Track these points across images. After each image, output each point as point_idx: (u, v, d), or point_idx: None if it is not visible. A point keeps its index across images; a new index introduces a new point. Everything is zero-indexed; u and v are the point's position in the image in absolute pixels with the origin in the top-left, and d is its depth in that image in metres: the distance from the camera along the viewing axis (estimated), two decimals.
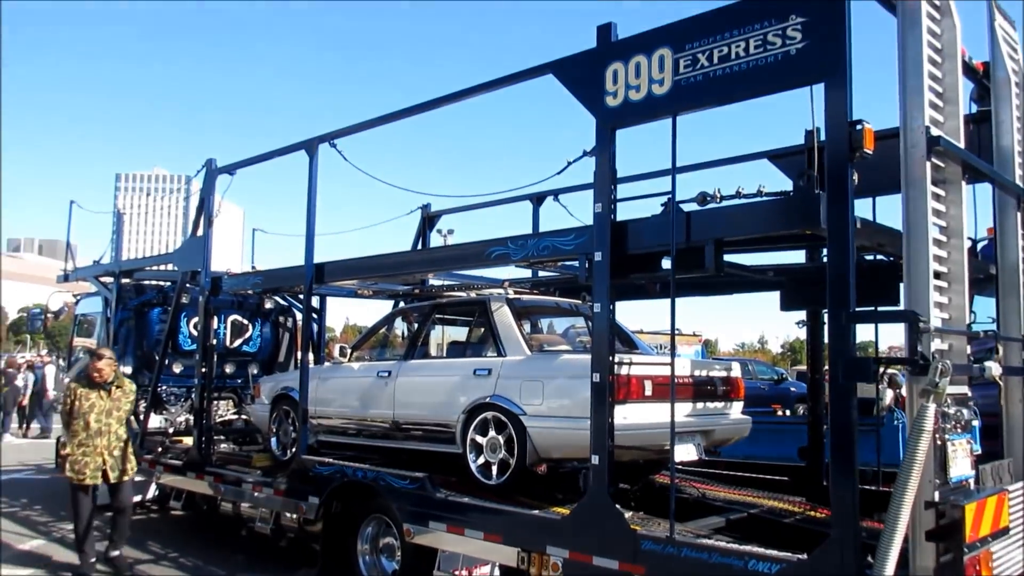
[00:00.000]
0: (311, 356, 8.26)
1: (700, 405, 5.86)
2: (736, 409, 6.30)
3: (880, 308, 4.89)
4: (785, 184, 5.02)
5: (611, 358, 4.77)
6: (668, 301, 4.57)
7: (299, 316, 11.29)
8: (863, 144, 3.85)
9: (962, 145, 4.34)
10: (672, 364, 4.51)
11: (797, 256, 6.37)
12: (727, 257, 5.80)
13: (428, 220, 10.43)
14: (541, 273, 7.87)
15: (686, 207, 4.63)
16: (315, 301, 11.02)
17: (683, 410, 5.69)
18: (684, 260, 4.61)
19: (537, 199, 8.82)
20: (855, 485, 3.72)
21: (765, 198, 4.41)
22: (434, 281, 8.71)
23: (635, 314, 43.19)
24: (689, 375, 5.83)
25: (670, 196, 4.63)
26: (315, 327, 11.22)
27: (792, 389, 23.42)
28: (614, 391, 4.78)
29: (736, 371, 6.45)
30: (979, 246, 6.07)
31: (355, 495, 6.36)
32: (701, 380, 5.93)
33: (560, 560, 4.73)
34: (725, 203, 4.52)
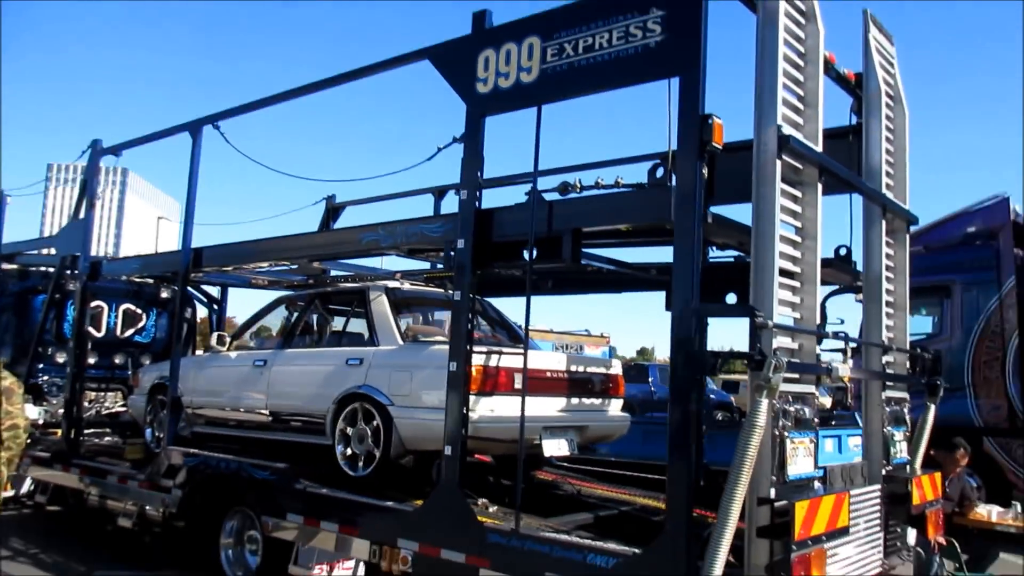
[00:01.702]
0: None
1: (575, 401, 5.81)
2: (615, 407, 6.27)
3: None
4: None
5: (468, 348, 4.67)
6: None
7: (200, 306, 10.97)
8: (712, 138, 3.85)
9: (819, 148, 4.38)
10: (524, 356, 4.45)
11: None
12: (608, 253, 5.86)
13: (332, 211, 10.22)
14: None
15: (550, 197, 4.59)
16: (216, 291, 10.73)
17: (557, 405, 5.66)
18: (546, 251, 4.56)
19: (439, 192, 8.70)
20: (690, 480, 3.69)
21: (622, 189, 4.38)
22: (336, 272, 8.52)
23: (549, 313, 43.39)
24: (565, 371, 5.78)
25: (532, 185, 4.57)
26: (215, 317, 10.92)
27: (711, 396, 23.86)
28: (469, 382, 4.68)
29: (616, 369, 6.43)
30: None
31: (219, 487, 6.13)
32: (578, 376, 5.88)
33: (410, 553, 4.61)
34: (585, 193, 4.48)
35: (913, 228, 11.46)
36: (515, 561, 4.14)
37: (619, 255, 5.82)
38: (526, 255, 4.65)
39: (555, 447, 5.52)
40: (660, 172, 4.33)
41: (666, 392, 8.06)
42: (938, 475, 5.34)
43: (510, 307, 7.03)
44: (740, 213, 4.69)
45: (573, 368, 5.86)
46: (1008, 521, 6.89)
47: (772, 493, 3.70)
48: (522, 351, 5.33)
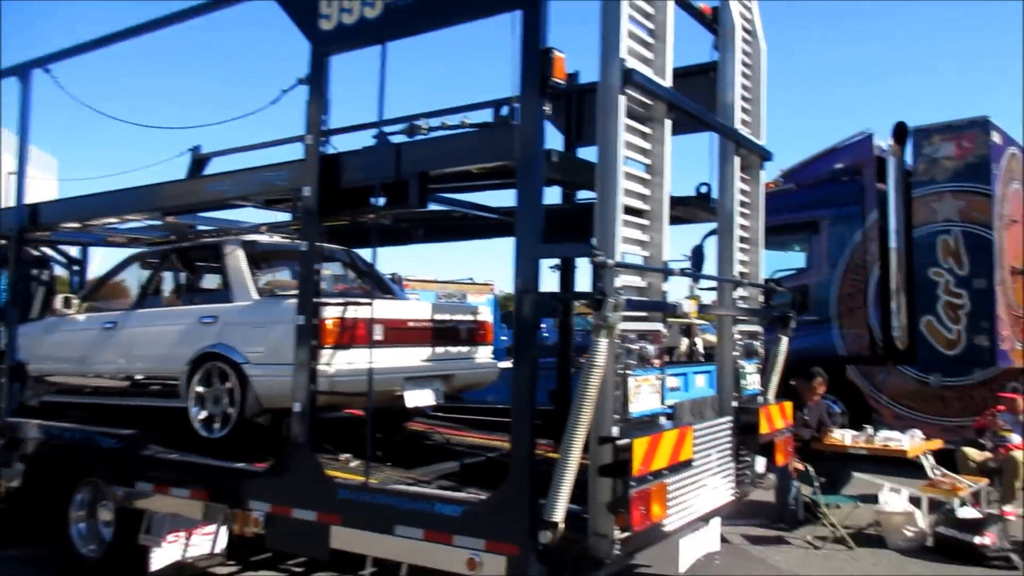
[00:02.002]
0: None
1: (440, 350, 5.71)
2: (483, 354, 6.20)
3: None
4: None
5: (317, 300, 4.48)
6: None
7: (59, 268, 10.27)
8: (553, 72, 3.74)
9: (668, 83, 4.33)
10: (371, 307, 4.31)
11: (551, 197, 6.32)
12: (466, 197, 5.73)
13: (198, 162, 9.66)
14: None
15: (399, 140, 4.40)
16: (76, 251, 10.07)
17: (420, 355, 5.55)
18: (395, 196, 4.39)
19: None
20: (532, 422, 3.66)
21: (468, 129, 4.23)
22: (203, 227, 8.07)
23: (439, 262, 43.11)
24: (428, 320, 5.66)
25: (379, 129, 4.37)
26: (76, 279, 10.26)
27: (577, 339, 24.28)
28: (318, 335, 4.50)
29: (484, 315, 6.35)
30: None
31: (65, 458, 5.79)
32: (443, 325, 5.77)
33: (261, 515, 4.46)
34: (432, 135, 4.31)
35: (785, 166, 11.94)
36: (365, 515, 4.04)
37: (492, 200, 5.70)
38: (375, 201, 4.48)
39: (419, 398, 5.43)
40: (505, 111, 4.20)
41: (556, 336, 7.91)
42: (788, 404, 5.51)
43: (403, 257, 6.84)
44: None
45: (437, 317, 5.75)
46: (861, 444, 7.26)
47: (615, 431, 3.71)
48: (389, 301, 5.20)
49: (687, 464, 4.10)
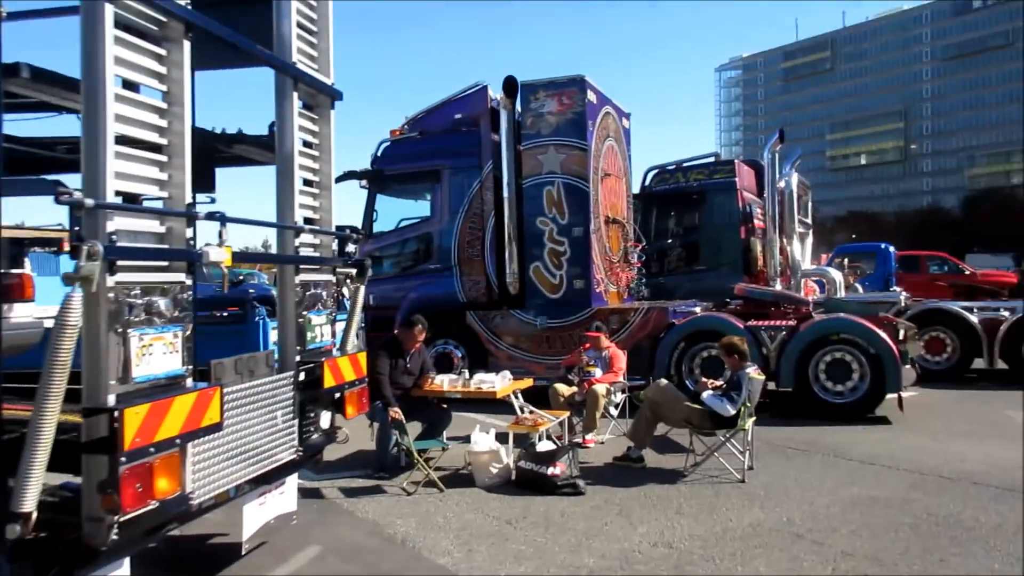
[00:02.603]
0: None
1: None
2: (21, 312, 5.24)
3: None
4: None
5: None
6: None
7: None
8: None
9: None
10: None
11: None
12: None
13: None
14: None
15: None
16: None
17: None
18: None
19: None
20: None
21: None
22: None
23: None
24: None
25: None
26: None
27: (251, 291, 23.11)
28: None
29: (26, 269, 5.37)
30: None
31: None
32: None
33: None
34: None
35: (410, 113, 11.87)
36: None
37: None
38: None
39: None
40: None
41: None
42: (361, 356, 5.35)
43: None
44: None
45: None
46: (458, 388, 7.46)
47: (111, 400, 3.19)
48: None
49: (216, 427, 3.70)
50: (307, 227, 4.86)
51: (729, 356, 7.27)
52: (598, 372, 8.70)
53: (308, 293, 4.97)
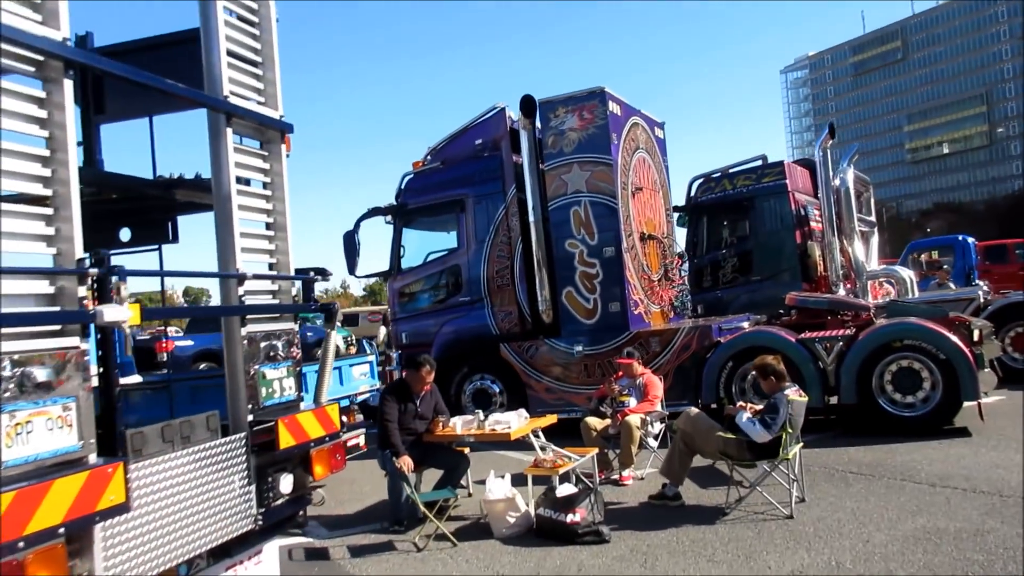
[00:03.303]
0: None
1: None
2: None
3: None
4: None
5: None
6: None
7: None
8: None
9: (61, 37, 3.43)
10: None
11: None
12: None
13: None
14: None
15: None
16: None
17: None
18: None
19: None
20: None
21: None
22: None
23: None
24: None
25: None
26: None
27: (309, 334, 23.18)
28: None
29: None
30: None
31: None
32: None
33: None
34: None
35: (432, 143, 11.52)
36: None
37: None
38: None
39: None
40: None
41: None
42: (332, 409, 4.87)
43: None
44: None
45: None
46: (472, 431, 6.93)
47: None
48: None
49: (119, 509, 3.28)
50: (250, 274, 4.43)
51: (764, 378, 6.51)
52: (632, 402, 8.04)
53: (264, 345, 4.53)
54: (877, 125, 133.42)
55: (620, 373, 8.38)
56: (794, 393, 6.35)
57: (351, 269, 11.43)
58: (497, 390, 10.77)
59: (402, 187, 11.56)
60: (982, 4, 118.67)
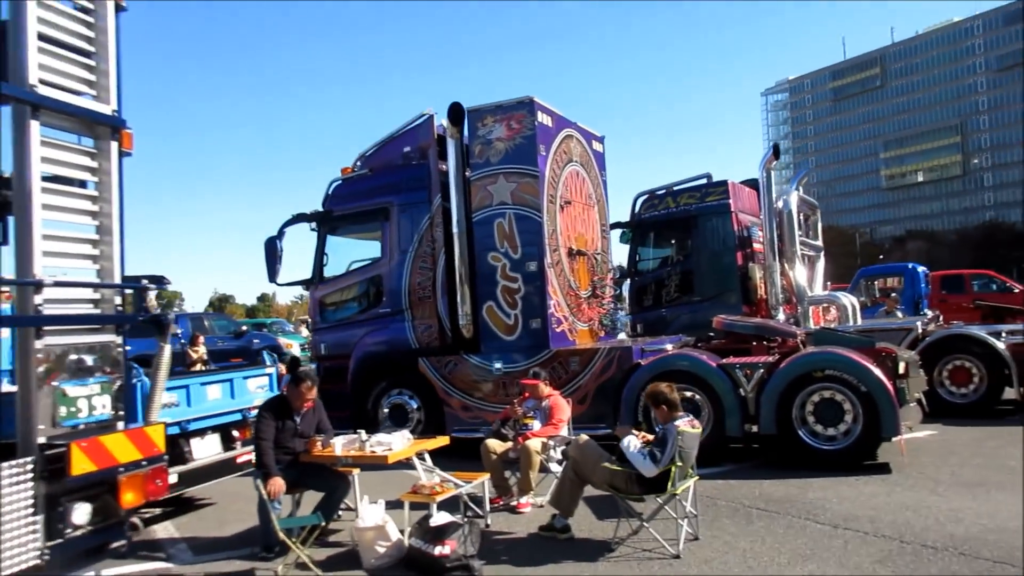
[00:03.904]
0: None
1: None
2: None
3: None
4: None
5: None
6: None
7: None
8: None
9: None
10: None
11: None
12: None
13: None
14: None
15: None
16: None
17: None
18: None
19: None
20: None
21: None
22: None
23: None
24: None
25: None
26: None
27: (256, 341, 22.72)
28: None
29: None
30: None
31: None
32: None
33: None
34: None
35: (360, 149, 11.13)
36: None
37: None
38: None
39: None
40: None
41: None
42: (153, 429, 4.44)
43: None
44: None
45: None
46: (353, 452, 6.50)
47: None
48: None
49: None
50: (49, 281, 3.99)
51: (656, 407, 6.15)
52: (536, 425, 7.66)
53: (70, 359, 4.11)
54: (854, 151, 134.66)
55: (527, 394, 8.00)
56: (686, 424, 5.99)
57: (272, 276, 11.01)
58: (415, 406, 10.36)
59: (329, 193, 11.15)
60: (959, 35, 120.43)
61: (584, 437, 6.56)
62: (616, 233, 14.25)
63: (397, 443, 6.53)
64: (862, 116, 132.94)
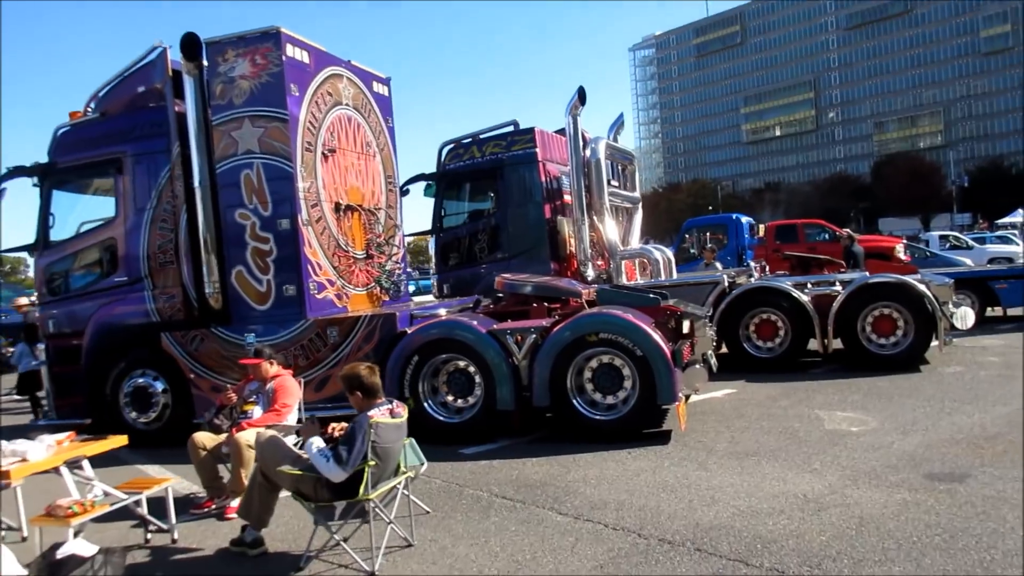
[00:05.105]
0: None
1: None
2: None
3: None
4: None
5: None
6: None
7: None
8: None
9: None
10: None
11: None
12: None
13: None
14: None
15: None
16: None
17: None
18: None
19: None
20: None
21: None
22: None
23: None
24: None
25: None
26: None
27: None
28: None
29: None
30: None
31: None
32: None
33: None
34: None
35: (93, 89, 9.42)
36: None
37: None
38: None
39: None
40: None
41: None
42: None
43: None
44: None
45: None
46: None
47: None
48: None
49: None
50: None
51: (351, 393, 5.06)
52: (257, 412, 6.48)
53: None
54: (717, 106, 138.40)
55: (251, 376, 6.78)
56: (382, 414, 4.93)
57: None
58: (160, 388, 8.94)
59: (54, 142, 9.41)
60: None
61: (268, 432, 5.42)
62: (420, 186, 13.12)
63: (34, 452, 5.18)
64: (724, 72, 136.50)
